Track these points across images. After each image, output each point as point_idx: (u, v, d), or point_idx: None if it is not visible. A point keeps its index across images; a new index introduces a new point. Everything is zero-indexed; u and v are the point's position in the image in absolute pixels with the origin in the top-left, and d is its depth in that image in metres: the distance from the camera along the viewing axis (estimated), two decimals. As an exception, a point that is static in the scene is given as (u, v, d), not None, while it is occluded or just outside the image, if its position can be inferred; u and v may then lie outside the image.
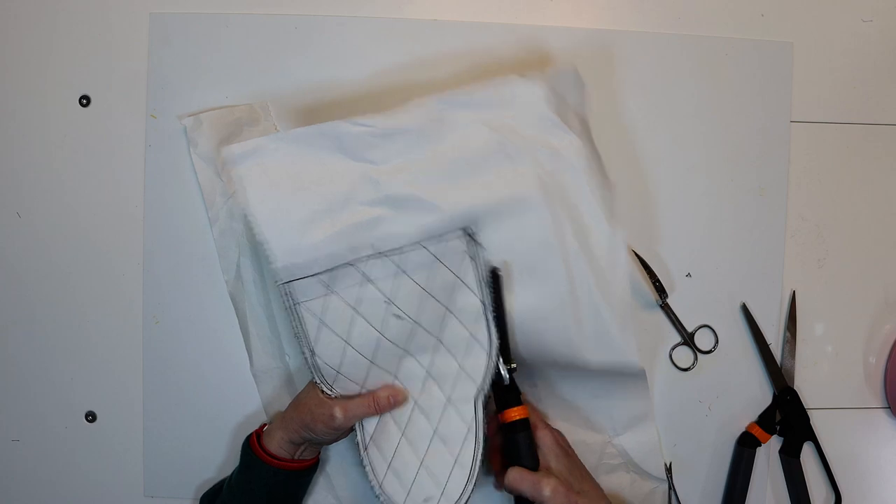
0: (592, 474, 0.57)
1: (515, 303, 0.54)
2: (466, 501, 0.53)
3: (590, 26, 0.64)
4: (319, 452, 0.60)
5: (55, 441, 0.65)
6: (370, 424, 0.55)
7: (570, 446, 0.57)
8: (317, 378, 0.54)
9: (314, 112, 0.63)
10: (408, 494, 0.54)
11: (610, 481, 0.63)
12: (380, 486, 0.54)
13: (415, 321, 0.53)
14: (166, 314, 0.64)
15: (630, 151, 0.64)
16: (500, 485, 0.56)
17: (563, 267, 0.53)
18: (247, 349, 0.63)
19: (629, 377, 0.58)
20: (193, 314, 0.64)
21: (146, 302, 0.64)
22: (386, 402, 0.55)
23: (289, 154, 0.52)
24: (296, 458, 0.57)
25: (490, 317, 0.54)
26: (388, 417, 0.55)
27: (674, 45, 0.64)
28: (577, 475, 0.54)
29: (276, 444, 0.56)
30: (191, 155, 0.62)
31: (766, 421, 0.64)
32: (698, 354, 0.64)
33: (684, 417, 0.65)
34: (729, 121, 0.65)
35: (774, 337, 0.65)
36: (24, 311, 0.64)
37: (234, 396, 0.64)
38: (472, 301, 0.53)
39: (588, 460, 0.59)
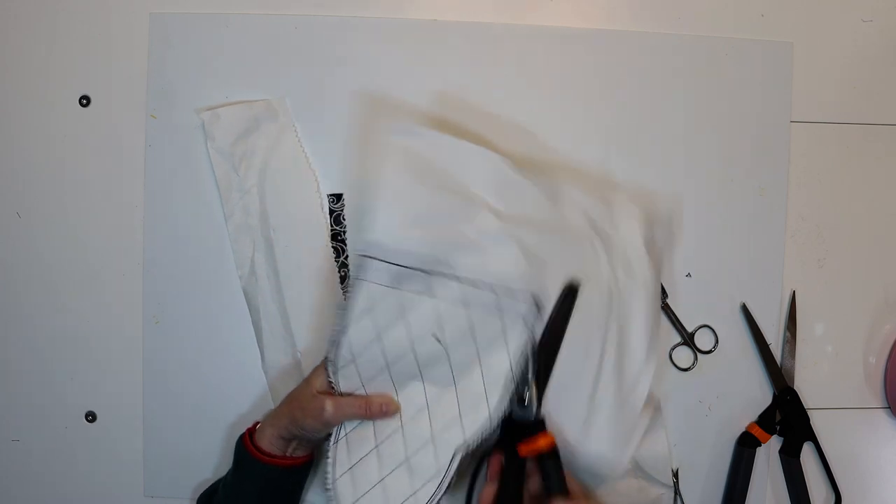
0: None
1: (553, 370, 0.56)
2: None
3: (590, 26, 0.64)
4: (313, 452, 0.59)
5: (55, 441, 0.65)
6: (351, 423, 0.56)
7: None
8: (330, 356, 0.55)
9: (314, 112, 0.63)
10: (355, 502, 0.54)
11: (619, 486, 0.63)
12: (333, 482, 0.55)
13: (447, 353, 0.54)
14: (166, 314, 0.64)
15: (630, 151, 0.64)
16: None
17: (597, 363, 0.56)
18: (258, 345, 0.63)
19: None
20: (193, 314, 0.64)
21: (146, 302, 0.64)
22: (378, 409, 0.55)
23: (435, 152, 0.55)
24: (288, 454, 0.56)
25: (511, 388, 0.54)
26: (369, 426, 0.56)
27: (674, 45, 0.64)
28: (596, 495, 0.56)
29: (267, 441, 0.56)
30: (208, 149, 0.62)
31: (766, 421, 0.64)
32: (698, 354, 0.64)
33: (684, 417, 0.65)
34: (729, 121, 0.65)
35: (774, 337, 0.65)
36: (24, 311, 0.64)
37: (234, 396, 0.64)
38: (504, 365, 0.54)
39: None
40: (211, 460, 0.64)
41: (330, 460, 0.55)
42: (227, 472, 0.58)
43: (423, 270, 0.53)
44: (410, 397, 0.55)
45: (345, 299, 0.54)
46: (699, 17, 0.65)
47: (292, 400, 0.56)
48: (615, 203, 0.59)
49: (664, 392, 0.65)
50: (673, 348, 0.65)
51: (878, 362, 0.67)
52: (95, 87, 0.63)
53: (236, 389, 0.64)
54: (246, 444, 0.56)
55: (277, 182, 0.61)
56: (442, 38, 0.63)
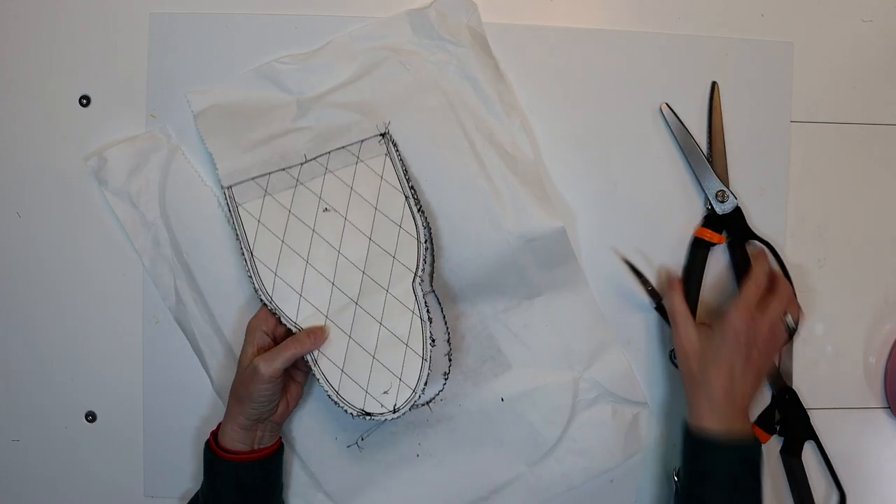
0: (570, 412, 0.63)
1: (441, 206, 0.60)
2: (425, 383, 0.56)
3: (590, 26, 0.64)
4: (280, 438, 0.59)
5: (55, 441, 0.65)
6: None
7: None
8: (256, 285, 0.58)
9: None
10: (366, 393, 0.56)
11: (591, 415, 0.64)
12: (337, 394, 0.56)
13: (345, 217, 0.59)
14: (166, 314, 0.64)
15: (629, 151, 0.64)
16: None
17: (476, 161, 0.60)
18: (204, 369, 0.63)
19: (580, 304, 0.63)
20: (193, 314, 0.64)
21: (146, 302, 0.64)
22: (309, 341, 0.55)
23: (235, 92, 0.62)
24: (255, 446, 0.56)
25: (414, 207, 0.59)
26: (331, 325, 0.57)
27: (674, 45, 0.64)
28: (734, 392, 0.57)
29: (230, 439, 0.56)
30: (104, 193, 0.62)
31: (766, 421, 0.64)
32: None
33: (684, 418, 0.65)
34: (729, 121, 0.65)
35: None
36: (24, 311, 0.64)
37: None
38: (397, 198, 0.59)
39: (563, 399, 0.62)
40: (211, 460, 0.64)
41: (321, 381, 0.56)
42: (202, 482, 0.58)
43: (280, 169, 0.60)
44: (345, 276, 0.58)
45: (236, 233, 0.59)
46: (699, 17, 0.65)
47: (233, 387, 0.57)
48: (398, 19, 0.62)
49: (664, 392, 0.65)
50: (672, 349, 0.65)
51: (878, 362, 0.67)
52: (95, 87, 0.63)
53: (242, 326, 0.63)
54: (213, 449, 0.56)
55: (179, 208, 0.62)
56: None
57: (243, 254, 0.59)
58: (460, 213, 0.60)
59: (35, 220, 0.64)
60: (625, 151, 0.64)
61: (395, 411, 0.55)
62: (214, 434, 0.57)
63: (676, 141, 0.64)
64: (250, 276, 0.58)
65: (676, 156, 0.65)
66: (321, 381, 0.56)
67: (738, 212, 0.63)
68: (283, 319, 0.58)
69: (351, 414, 0.55)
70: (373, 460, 0.63)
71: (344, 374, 0.56)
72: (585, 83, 0.64)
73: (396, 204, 0.59)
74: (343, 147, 0.60)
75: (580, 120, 0.64)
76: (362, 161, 0.60)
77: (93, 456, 0.65)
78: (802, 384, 0.65)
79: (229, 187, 0.60)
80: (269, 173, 0.60)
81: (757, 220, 0.65)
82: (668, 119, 0.64)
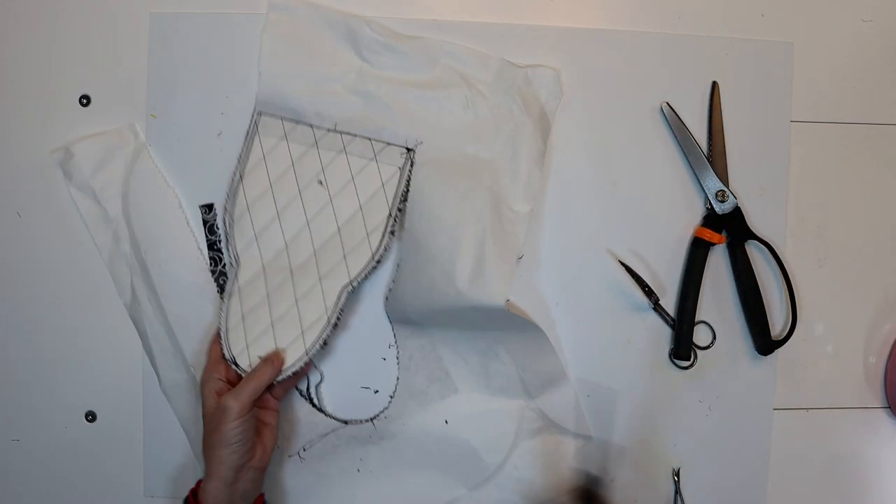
0: (513, 440, 0.62)
1: (418, 240, 0.60)
2: (294, 372, 0.58)
3: (590, 26, 0.64)
4: (262, 493, 0.58)
5: (55, 441, 0.65)
6: (244, 275, 0.60)
7: None
8: (227, 207, 0.61)
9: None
10: (247, 345, 0.58)
11: (534, 445, 0.63)
12: (226, 332, 0.59)
13: (330, 198, 0.60)
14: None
15: (629, 151, 0.64)
16: None
17: (471, 219, 0.60)
18: (153, 368, 0.63)
19: (533, 340, 0.62)
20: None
21: (146, 302, 0.64)
22: (267, 367, 0.56)
23: (313, 24, 0.62)
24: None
25: (389, 228, 0.60)
26: (260, 277, 0.60)
27: (674, 45, 0.64)
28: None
29: (213, 498, 0.53)
30: (68, 188, 0.62)
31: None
32: (698, 353, 0.64)
33: (685, 417, 0.65)
34: (729, 121, 0.65)
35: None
36: (23, 311, 0.64)
37: (234, 396, 0.64)
38: (382, 210, 0.60)
39: (507, 426, 0.62)
40: (211, 460, 0.64)
41: (223, 312, 0.59)
42: None
43: (308, 124, 0.61)
44: (298, 244, 0.60)
45: (240, 153, 0.61)
46: (699, 17, 0.65)
47: (205, 442, 0.55)
48: (490, 60, 0.62)
49: (664, 392, 0.65)
50: (671, 350, 0.65)
51: (878, 362, 0.67)
52: (95, 87, 0.63)
53: (236, 389, 0.64)
54: None
55: (140, 206, 0.62)
56: (442, 39, 0.63)
57: (233, 174, 0.61)
58: (426, 256, 0.59)
59: (35, 220, 0.64)
60: (625, 151, 0.64)
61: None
62: (194, 492, 0.55)
63: (676, 141, 0.64)
64: (228, 198, 0.61)
65: (676, 156, 0.65)
66: (221, 313, 0.59)
67: (737, 212, 0.63)
68: (230, 245, 0.61)
69: (223, 354, 0.58)
70: (313, 472, 0.63)
71: (242, 321, 0.59)
72: (585, 83, 0.64)
73: (377, 215, 0.60)
74: (369, 139, 0.61)
75: (580, 120, 0.64)
76: (377, 161, 0.61)
77: (93, 456, 0.65)
78: (802, 384, 0.66)
79: (259, 113, 0.61)
80: (298, 122, 0.61)
81: (757, 220, 0.65)
82: (668, 119, 0.64)
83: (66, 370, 0.64)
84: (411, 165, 0.61)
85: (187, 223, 0.63)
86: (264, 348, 0.58)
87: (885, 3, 0.66)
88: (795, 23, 0.66)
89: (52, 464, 0.65)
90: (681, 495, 0.65)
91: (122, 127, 0.63)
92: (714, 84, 0.64)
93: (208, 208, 0.63)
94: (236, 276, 0.60)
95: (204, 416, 0.56)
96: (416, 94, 0.62)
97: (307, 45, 0.62)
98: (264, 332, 0.59)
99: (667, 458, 0.65)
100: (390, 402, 0.62)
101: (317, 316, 0.59)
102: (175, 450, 0.64)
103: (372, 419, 0.63)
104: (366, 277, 0.60)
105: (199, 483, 0.55)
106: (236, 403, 0.54)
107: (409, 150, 0.61)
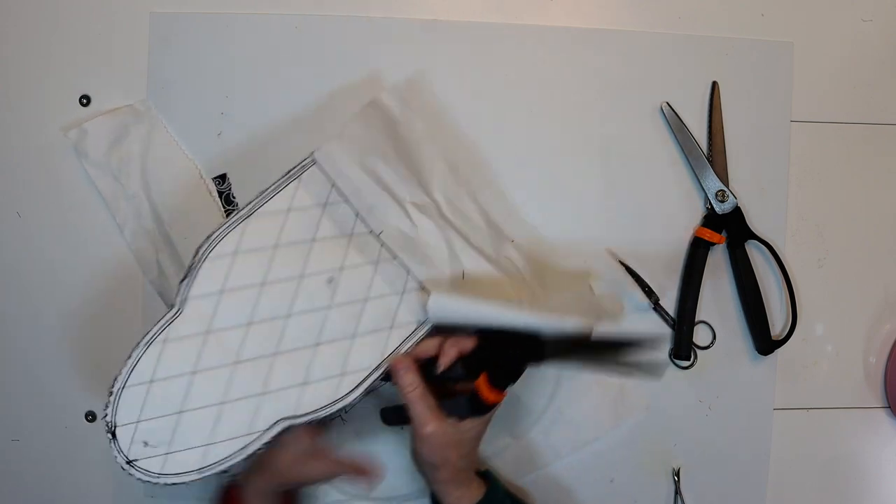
0: (555, 383, 0.61)
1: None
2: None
3: (590, 26, 0.64)
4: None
5: (55, 441, 0.65)
6: (180, 330, 0.49)
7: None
8: (212, 236, 0.50)
9: (315, 110, 0.63)
10: (137, 424, 0.48)
11: (577, 385, 0.62)
12: (120, 391, 0.48)
13: (330, 306, 0.51)
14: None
15: (629, 151, 0.64)
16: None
17: None
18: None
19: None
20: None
21: (147, 301, 0.63)
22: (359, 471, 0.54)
23: (409, 129, 0.57)
24: None
25: (364, 391, 0.51)
26: (196, 341, 0.49)
27: (674, 45, 0.64)
28: (472, 455, 0.53)
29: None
30: (84, 167, 0.62)
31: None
32: (698, 353, 0.64)
33: (685, 417, 0.65)
34: (729, 121, 0.65)
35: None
36: (23, 311, 0.64)
37: (234, 396, 0.64)
38: (375, 357, 0.51)
39: (547, 370, 0.60)
40: (211, 460, 0.64)
41: (129, 360, 0.48)
42: None
43: (354, 209, 0.51)
44: (260, 335, 0.49)
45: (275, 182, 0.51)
46: (699, 17, 0.65)
47: (273, 470, 0.51)
48: (552, 301, 0.59)
49: (664, 392, 0.65)
50: (671, 350, 0.65)
51: (878, 362, 0.67)
52: (95, 87, 0.63)
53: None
54: None
55: (160, 180, 0.61)
56: (442, 38, 0.63)
57: (237, 209, 0.51)
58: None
59: (35, 219, 0.64)
60: (625, 151, 0.64)
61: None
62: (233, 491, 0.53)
63: (676, 141, 0.64)
64: (210, 235, 0.50)
65: (676, 156, 0.65)
66: (129, 361, 0.49)
67: (737, 212, 0.63)
68: (185, 281, 0.49)
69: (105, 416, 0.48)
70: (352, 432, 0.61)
71: (150, 385, 0.49)
72: (585, 83, 0.64)
73: (367, 359, 0.51)
74: (407, 270, 0.53)
75: (580, 120, 0.64)
76: (402, 299, 0.52)
77: (93, 456, 0.65)
78: (802, 384, 0.66)
79: (314, 161, 0.51)
80: (346, 201, 0.52)
81: (757, 220, 0.65)
82: (668, 119, 0.64)
83: (66, 370, 0.64)
84: (426, 322, 0.52)
85: (210, 193, 0.62)
86: (162, 433, 0.48)
87: (885, 3, 0.66)
88: (795, 23, 0.66)
89: (52, 464, 0.65)
90: (681, 495, 0.65)
91: (135, 103, 0.62)
92: (714, 84, 0.64)
93: (221, 179, 0.61)
94: (169, 322, 0.49)
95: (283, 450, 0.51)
96: (477, 261, 0.55)
97: (398, 145, 0.56)
98: (172, 411, 0.48)
99: (667, 458, 0.65)
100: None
101: (236, 433, 0.48)
102: (175, 450, 0.64)
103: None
104: (312, 423, 0.50)
105: (232, 487, 0.54)
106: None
107: (432, 306, 0.51)
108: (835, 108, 0.66)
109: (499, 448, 0.63)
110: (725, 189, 0.63)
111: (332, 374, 0.50)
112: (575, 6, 0.65)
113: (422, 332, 0.52)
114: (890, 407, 0.66)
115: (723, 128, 0.64)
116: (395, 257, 0.53)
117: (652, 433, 0.65)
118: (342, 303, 0.51)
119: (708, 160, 0.64)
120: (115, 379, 0.48)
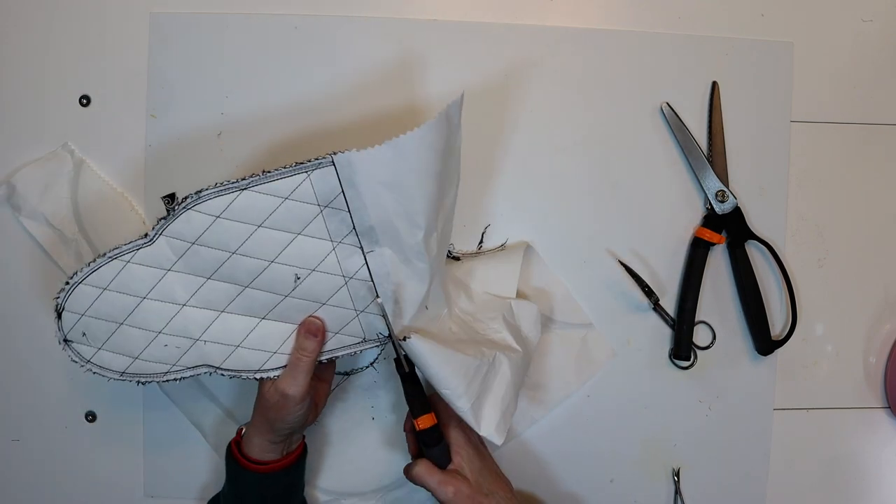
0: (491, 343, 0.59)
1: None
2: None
3: (590, 26, 0.64)
4: (304, 438, 0.59)
5: (55, 441, 0.65)
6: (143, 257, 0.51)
7: (482, 443, 0.58)
8: (203, 189, 0.50)
9: (315, 110, 0.63)
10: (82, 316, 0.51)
11: (539, 346, 0.62)
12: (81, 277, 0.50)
13: (287, 295, 0.52)
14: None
15: (629, 151, 0.64)
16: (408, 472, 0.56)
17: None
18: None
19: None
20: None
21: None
22: (309, 339, 0.52)
23: (448, 150, 0.52)
24: (283, 454, 0.56)
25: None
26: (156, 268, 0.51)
27: (674, 45, 0.64)
28: (488, 476, 0.55)
29: (259, 450, 0.54)
30: (20, 221, 0.62)
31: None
32: (698, 353, 0.64)
33: (685, 417, 0.65)
34: (729, 121, 0.65)
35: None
36: (23, 311, 0.64)
37: (234, 395, 0.64)
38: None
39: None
40: (211, 460, 0.64)
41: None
42: (224, 486, 0.57)
43: (351, 223, 0.50)
44: (214, 295, 0.52)
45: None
46: (699, 17, 0.65)
47: (262, 408, 0.54)
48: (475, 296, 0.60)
49: (664, 392, 0.65)
50: (671, 350, 0.65)
51: (878, 362, 0.67)
52: (95, 87, 0.63)
53: (237, 388, 0.64)
54: (238, 459, 0.54)
55: (94, 219, 0.62)
56: (442, 38, 0.63)
57: (236, 177, 0.51)
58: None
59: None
60: (625, 151, 0.64)
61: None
62: (237, 441, 0.56)
63: (676, 141, 0.64)
64: (200, 189, 0.50)
65: (676, 156, 0.65)
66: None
67: (737, 212, 0.63)
68: (166, 219, 0.50)
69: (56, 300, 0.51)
70: (328, 428, 0.64)
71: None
72: (585, 83, 0.64)
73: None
74: (373, 305, 0.53)
75: (580, 120, 0.64)
76: (358, 316, 0.54)
77: (93, 456, 0.65)
78: (803, 384, 0.66)
79: (331, 163, 0.49)
80: (346, 211, 0.51)
81: (757, 220, 0.65)
82: (668, 119, 0.64)
83: (66, 370, 0.64)
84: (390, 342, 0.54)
85: (144, 222, 0.62)
86: (100, 333, 0.51)
87: (885, 3, 0.66)
88: (795, 23, 0.66)
89: (52, 464, 0.65)
90: (681, 495, 0.65)
91: (57, 149, 0.63)
92: (714, 84, 0.64)
93: (170, 198, 0.54)
94: (138, 248, 0.50)
95: (261, 398, 0.54)
96: (460, 321, 0.58)
97: (434, 168, 0.51)
98: (115, 320, 0.51)
99: (667, 458, 0.65)
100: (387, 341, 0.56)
101: (163, 360, 0.52)
102: (175, 450, 0.64)
103: (372, 363, 0.63)
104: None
105: (239, 431, 0.56)
106: (297, 390, 0.51)
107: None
108: (835, 108, 0.66)
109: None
110: (725, 189, 0.63)
111: (265, 349, 0.53)
112: (575, 6, 0.65)
113: (363, 348, 0.54)
114: (890, 407, 0.66)
115: (723, 128, 0.64)
116: (376, 296, 0.53)
117: (652, 433, 0.65)
118: (300, 297, 0.52)
119: (708, 160, 0.64)
120: (76, 273, 0.50)
